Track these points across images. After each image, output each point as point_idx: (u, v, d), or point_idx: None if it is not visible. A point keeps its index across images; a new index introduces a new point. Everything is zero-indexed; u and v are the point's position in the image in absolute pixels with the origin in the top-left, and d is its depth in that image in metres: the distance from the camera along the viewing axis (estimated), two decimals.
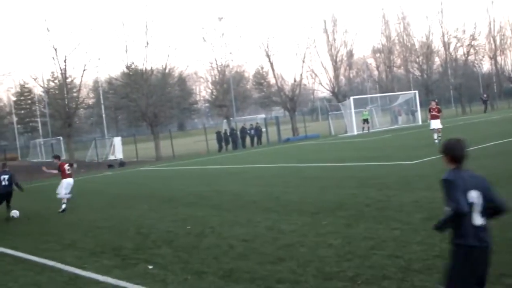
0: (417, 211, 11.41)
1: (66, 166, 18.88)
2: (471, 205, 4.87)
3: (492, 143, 24.17)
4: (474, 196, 4.90)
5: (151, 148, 50.13)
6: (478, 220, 4.91)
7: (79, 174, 38.91)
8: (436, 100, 32.19)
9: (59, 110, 47.97)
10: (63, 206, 18.16)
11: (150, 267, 9.45)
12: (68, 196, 18.56)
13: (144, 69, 50.19)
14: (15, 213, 17.94)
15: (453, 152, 5.11)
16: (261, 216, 12.91)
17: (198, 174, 27.35)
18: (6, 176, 18.05)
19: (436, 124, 28.59)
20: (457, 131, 34.92)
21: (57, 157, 19.90)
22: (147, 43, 49.59)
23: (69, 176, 18.73)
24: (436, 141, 27.43)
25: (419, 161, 20.72)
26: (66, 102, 47.09)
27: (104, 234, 13.22)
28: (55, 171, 19.07)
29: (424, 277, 7.22)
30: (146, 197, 19.54)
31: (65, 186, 18.55)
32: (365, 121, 51.45)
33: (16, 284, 9.47)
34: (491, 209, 5.02)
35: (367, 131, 50.15)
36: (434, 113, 28.80)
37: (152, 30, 51.42)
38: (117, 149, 51.18)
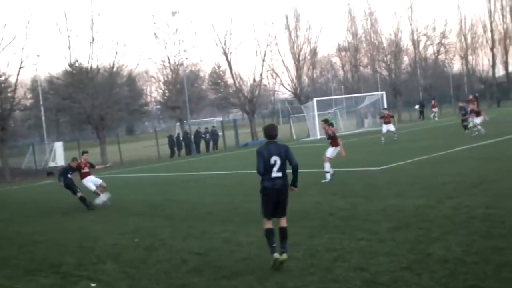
0: (384, 220, 11.53)
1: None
2: (273, 164, 8.95)
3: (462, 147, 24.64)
4: (274, 159, 8.97)
5: (96, 153, 49.41)
6: (275, 173, 8.99)
7: (13, 182, 38.16)
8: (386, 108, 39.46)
9: None
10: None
11: (93, 285, 9.30)
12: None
13: (89, 67, 49.56)
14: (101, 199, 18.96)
15: (266, 132, 9.31)
16: (217, 227, 12.86)
17: (148, 182, 27.12)
18: None
19: (389, 127, 33.79)
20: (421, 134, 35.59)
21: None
22: (93, 39, 49.04)
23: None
24: (383, 141, 32.74)
25: (386, 167, 20.99)
26: (0, 103, 46.05)
27: (41, 249, 12.96)
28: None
29: None
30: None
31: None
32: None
33: None
34: (291, 166, 9.04)
35: None
36: (387, 119, 34.28)
37: (98, 24, 50.73)
38: (58, 155, 50.29)
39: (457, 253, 8.58)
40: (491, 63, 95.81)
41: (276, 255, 8.71)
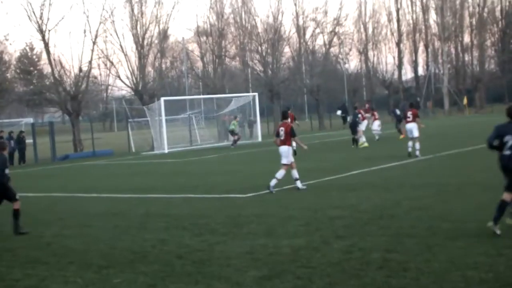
0: (251, 266, 11.63)
1: None
2: (505, 142, 12.53)
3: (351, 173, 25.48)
4: (507, 138, 12.53)
5: None
6: (507, 151, 12.56)
7: None
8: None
9: None
10: None
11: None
12: None
13: None
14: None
15: (508, 111, 12.74)
16: (20, 270, 12.50)
17: None
18: None
19: None
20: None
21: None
22: None
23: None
24: None
25: (255, 194, 21.24)
26: None
27: None
28: None
29: None
30: None
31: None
32: (232, 132, 52.02)
33: None
34: None
35: (234, 145, 50.60)
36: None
37: None
38: None
39: None
40: (396, 62, 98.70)
41: (489, 223, 12.38)
